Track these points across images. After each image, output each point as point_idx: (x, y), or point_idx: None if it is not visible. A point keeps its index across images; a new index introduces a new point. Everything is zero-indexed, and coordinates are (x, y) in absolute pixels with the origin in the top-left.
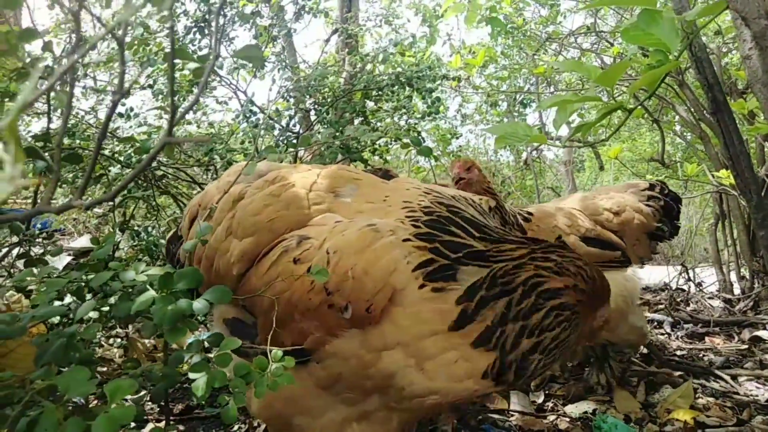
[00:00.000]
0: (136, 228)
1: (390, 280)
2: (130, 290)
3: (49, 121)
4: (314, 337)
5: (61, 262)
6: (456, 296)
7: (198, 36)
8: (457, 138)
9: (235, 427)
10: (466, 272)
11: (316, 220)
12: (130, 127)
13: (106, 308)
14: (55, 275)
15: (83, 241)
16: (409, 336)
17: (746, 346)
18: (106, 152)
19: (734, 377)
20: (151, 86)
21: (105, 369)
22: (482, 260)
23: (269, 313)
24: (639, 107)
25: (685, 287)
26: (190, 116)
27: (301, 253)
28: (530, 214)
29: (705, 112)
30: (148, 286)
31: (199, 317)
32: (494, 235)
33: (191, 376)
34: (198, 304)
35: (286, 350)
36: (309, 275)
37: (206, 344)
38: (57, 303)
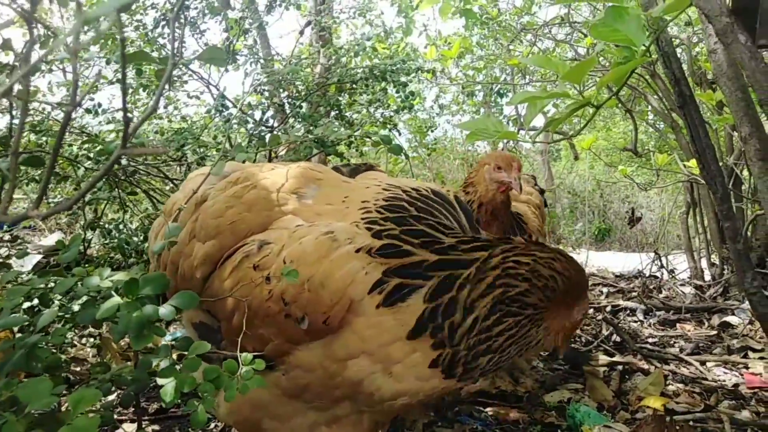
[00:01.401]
0: (107, 226)
1: (347, 292)
2: (96, 295)
3: (11, 119)
4: (274, 344)
5: (30, 261)
6: (416, 312)
7: (167, 29)
8: (432, 131)
9: (211, 426)
10: (420, 292)
11: (277, 223)
12: (99, 123)
13: (74, 309)
14: (21, 278)
15: (54, 239)
16: (373, 344)
17: (715, 332)
18: (74, 148)
19: (703, 363)
20: (119, 81)
21: (78, 369)
22: (438, 270)
23: (230, 318)
24: (608, 101)
25: (658, 274)
26: (161, 110)
27: (260, 259)
28: None
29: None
30: (113, 292)
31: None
32: (452, 239)
33: (160, 381)
34: (164, 310)
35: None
36: (268, 284)
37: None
38: (27, 304)
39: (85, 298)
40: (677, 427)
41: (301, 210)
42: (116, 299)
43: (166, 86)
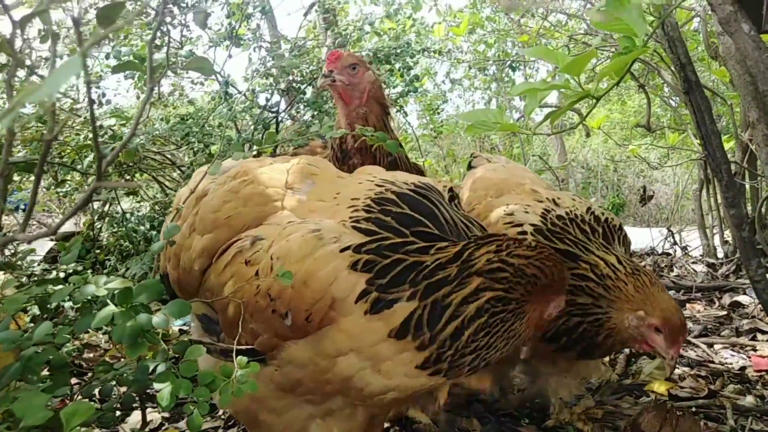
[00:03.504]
0: (114, 215)
1: (330, 291)
2: (93, 303)
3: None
4: (263, 338)
5: (43, 247)
6: (400, 318)
7: (167, 18)
8: (439, 113)
9: (220, 412)
10: (403, 302)
11: (271, 218)
12: (103, 113)
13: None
14: (33, 268)
15: (66, 225)
16: (361, 343)
17: (725, 313)
18: (81, 138)
19: (710, 345)
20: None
21: (91, 355)
22: (420, 283)
23: (224, 311)
24: (607, 92)
25: (671, 251)
26: (166, 96)
27: (252, 254)
28: None
29: None
30: (108, 300)
31: None
32: (437, 239)
33: (156, 386)
34: (157, 319)
35: (240, 349)
36: (257, 279)
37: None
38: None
39: (81, 305)
40: (679, 414)
41: (295, 206)
42: (111, 308)
43: (170, 73)
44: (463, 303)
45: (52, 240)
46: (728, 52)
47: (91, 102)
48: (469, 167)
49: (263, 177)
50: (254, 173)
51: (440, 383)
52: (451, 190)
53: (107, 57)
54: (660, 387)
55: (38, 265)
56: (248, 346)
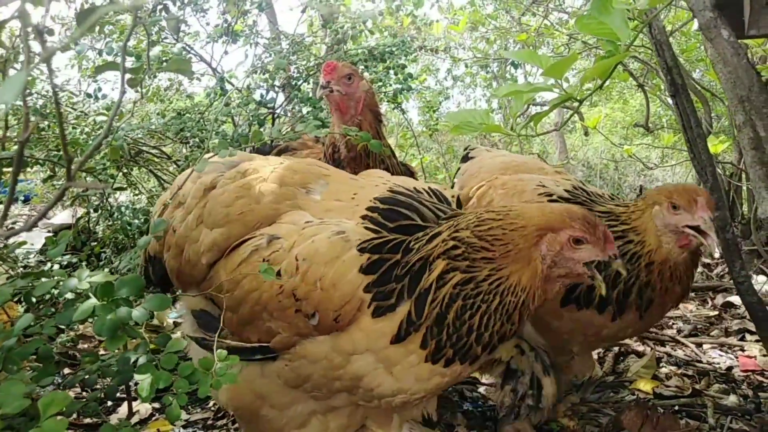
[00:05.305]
0: (109, 208)
1: (358, 293)
2: (78, 295)
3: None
4: (282, 336)
5: (40, 238)
6: (399, 321)
7: (163, 14)
8: (435, 111)
9: (210, 404)
10: (403, 304)
11: (286, 217)
12: (99, 107)
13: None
14: (28, 261)
15: (64, 217)
16: (377, 344)
17: (716, 313)
18: (77, 132)
19: (699, 345)
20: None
21: (86, 346)
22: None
23: (236, 309)
24: (590, 95)
25: None
26: (164, 91)
27: (270, 253)
28: None
29: (690, 78)
30: (90, 294)
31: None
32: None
33: (137, 377)
34: (137, 312)
35: (253, 346)
36: (279, 279)
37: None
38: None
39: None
40: (660, 412)
41: (310, 205)
42: (92, 301)
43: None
44: (437, 288)
45: (49, 231)
46: (715, 56)
47: (58, 107)
48: (465, 159)
49: (275, 175)
50: (266, 170)
51: (459, 373)
52: (458, 199)
53: (100, 54)
54: (645, 385)
55: (33, 256)
56: (259, 344)
